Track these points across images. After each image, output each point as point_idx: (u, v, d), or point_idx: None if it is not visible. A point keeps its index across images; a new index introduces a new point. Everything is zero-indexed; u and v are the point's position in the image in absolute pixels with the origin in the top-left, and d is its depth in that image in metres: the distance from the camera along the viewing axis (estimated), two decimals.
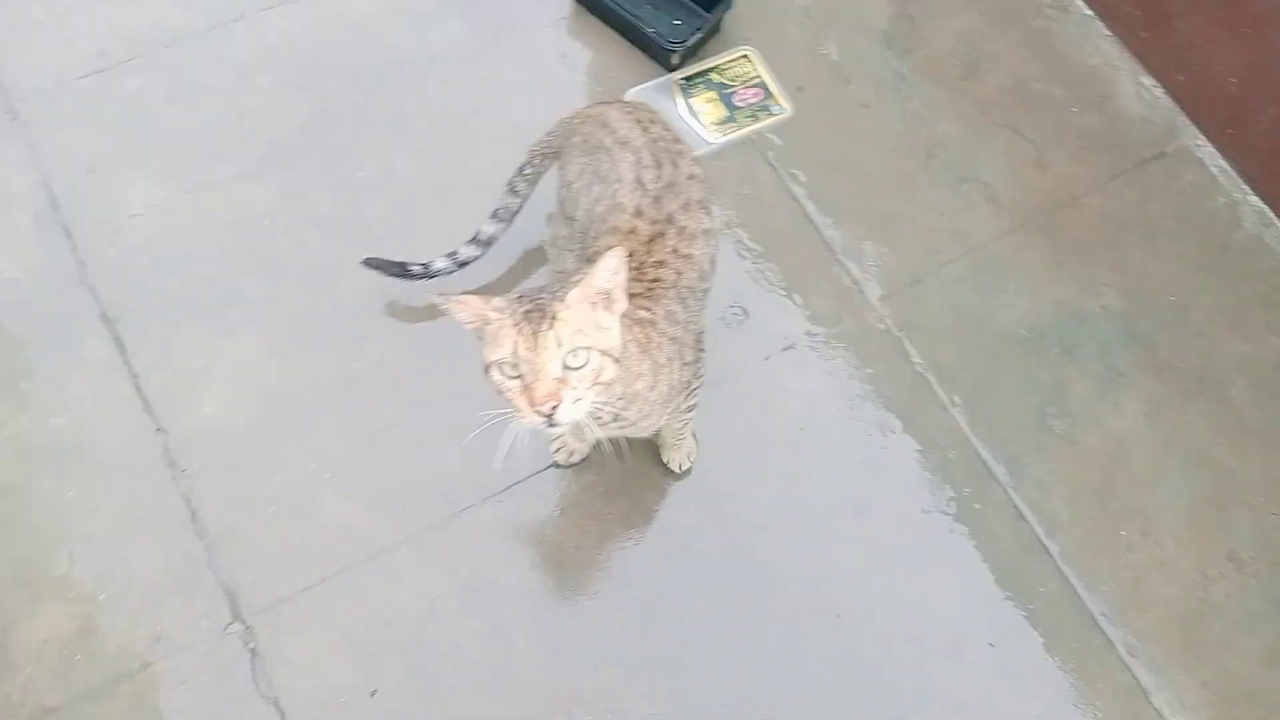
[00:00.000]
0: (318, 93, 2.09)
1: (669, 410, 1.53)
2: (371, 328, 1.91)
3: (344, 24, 2.16)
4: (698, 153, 2.02)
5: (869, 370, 1.90)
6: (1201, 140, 2.11)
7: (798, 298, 1.94)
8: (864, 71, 2.16)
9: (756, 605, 1.74)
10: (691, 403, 1.63)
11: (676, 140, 1.59)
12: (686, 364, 1.52)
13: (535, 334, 1.22)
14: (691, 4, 2.14)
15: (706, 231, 1.53)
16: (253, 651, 1.69)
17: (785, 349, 1.91)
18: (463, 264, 1.86)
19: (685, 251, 1.49)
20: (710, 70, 2.12)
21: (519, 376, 1.24)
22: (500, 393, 1.28)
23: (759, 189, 2.03)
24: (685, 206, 1.51)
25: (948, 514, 1.80)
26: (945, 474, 1.83)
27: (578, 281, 1.26)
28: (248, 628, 1.70)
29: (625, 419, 1.42)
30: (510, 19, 2.18)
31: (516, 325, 1.23)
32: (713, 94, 2.10)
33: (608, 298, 1.28)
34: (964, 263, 1.99)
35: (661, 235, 1.48)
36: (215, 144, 2.04)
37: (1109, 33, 2.20)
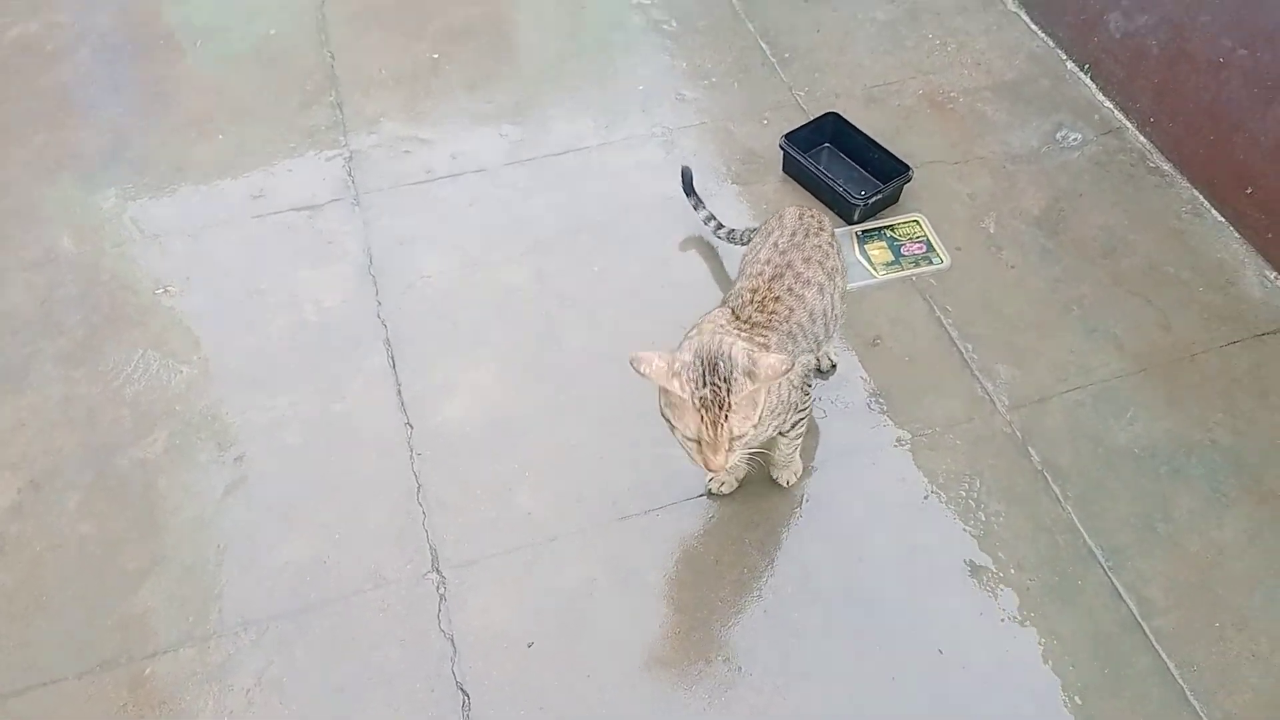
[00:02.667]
0: (575, 212, 2.71)
1: (779, 421, 1.87)
2: (579, 376, 2.37)
3: (604, 170, 2.81)
4: (865, 283, 2.49)
5: (992, 462, 2.18)
6: None
7: (935, 398, 2.28)
8: (1015, 242, 2.58)
9: (864, 630, 1.97)
10: (799, 431, 2.00)
11: (822, 227, 2.04)
12: (794, 386, 1.89)
13: (715, 423, 1.63)
14: (873, 179, 2.68)
15: (820, 286, 1.93)
16: (441, 596, 2.07)
17: (919, 435, 2.23)
18: (717, 229, 2.54)
19: (799, 292, 1.90)
20: (885, 227, 2.61)
21: (698, 442, 1.66)
22: (679, 443, 1.72)
23: (912, 314, 2.43)
24: (806, 260, 1.94)
25: (1051, 586, 2.01)
26: (1053, 553, 2.05)
27: (743, 377, 1.63)
28: (442, 577, 2.09)
29: None
30: (731, 177, 2.77)
31: (698, 410, 1.63)
32: (883, 244, 2.57)
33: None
34: (1087, 391, 2.29)
35: (780, 275, 1.91)
36: (494, 237, 2.66)
37: (1238, 235, 2.55)
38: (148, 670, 2.00)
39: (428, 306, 2.53)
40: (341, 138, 2.92)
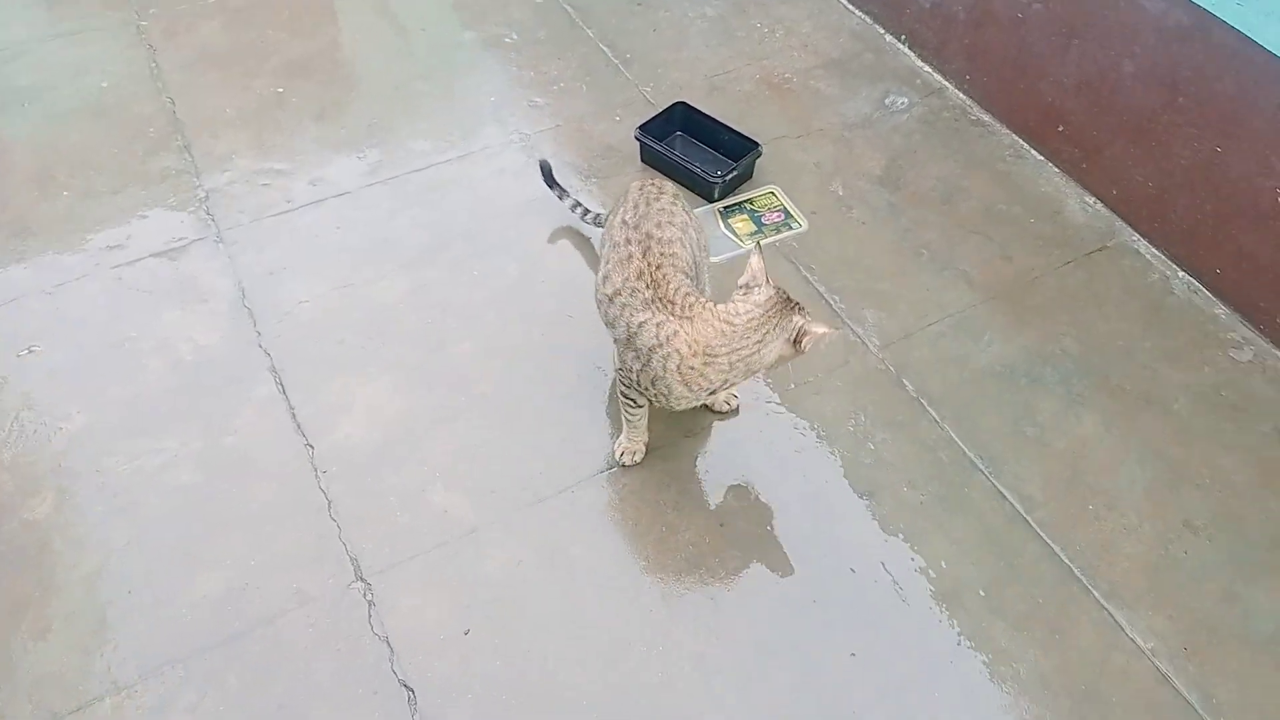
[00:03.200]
0: (442, 224, 2.76)
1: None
2: (472, 377, 2.42)
3: (467, 180, 2.88)
4: (733, 254, 2.63)
5: (873, 396, 2.34)
6: (1136, 236, 2.66)
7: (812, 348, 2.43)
8: (863, 201, 2.77)
9: (781, 564, 2.09)
10: None
11: (661, 190, 2.17)
12: None
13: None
14: (726, 159, 2.83)
15: (680, 239, 2.07)
16: (370, 603, 2.07)
17: (803, 384, 2.37)
18: (584, 215, 2.68)
19: (670, 252, 2.03)
20: (744, 201, 2.76)
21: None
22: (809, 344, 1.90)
23: (780, 276, 2.58)
24: (658, 225, 2.06)
25: (941, 497, 2.17)
26: (938, 469, 2.22)
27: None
28: (367, 585, 2.09)
29: None
30: (593, 173, 2.88)
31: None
32: (745, 216, 2.72)
33: None
34: (947, 323, 2.48)
35: (649, 248, 2.02)
36: (366, 256, 2.68)
37: (1057, 169, 2.82)
38: None
39: (308, 330, 2.53)
40: (195, 179, 2.89)
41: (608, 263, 2.11)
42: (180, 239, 2.73)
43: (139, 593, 2.09)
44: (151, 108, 3.12)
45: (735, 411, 2.33)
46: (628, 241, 2.05)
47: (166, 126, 3.05)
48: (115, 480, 2.26)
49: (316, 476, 2.26)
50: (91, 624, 2.05)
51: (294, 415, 2.37)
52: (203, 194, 2.85)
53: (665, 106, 2.92)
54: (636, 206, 2.11)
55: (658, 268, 1.99)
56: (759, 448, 2.27)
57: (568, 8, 3.46)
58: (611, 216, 2.21)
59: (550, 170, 2.71)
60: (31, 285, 2.63)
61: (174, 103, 3.13)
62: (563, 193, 2.69)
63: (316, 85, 3.20)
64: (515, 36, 3.35)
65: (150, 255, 2.70)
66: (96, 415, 2.37)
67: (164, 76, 3.22)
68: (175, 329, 2.54)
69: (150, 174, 2.91)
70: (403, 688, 1.95)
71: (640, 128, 2.83)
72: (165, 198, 2.84)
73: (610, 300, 2.04)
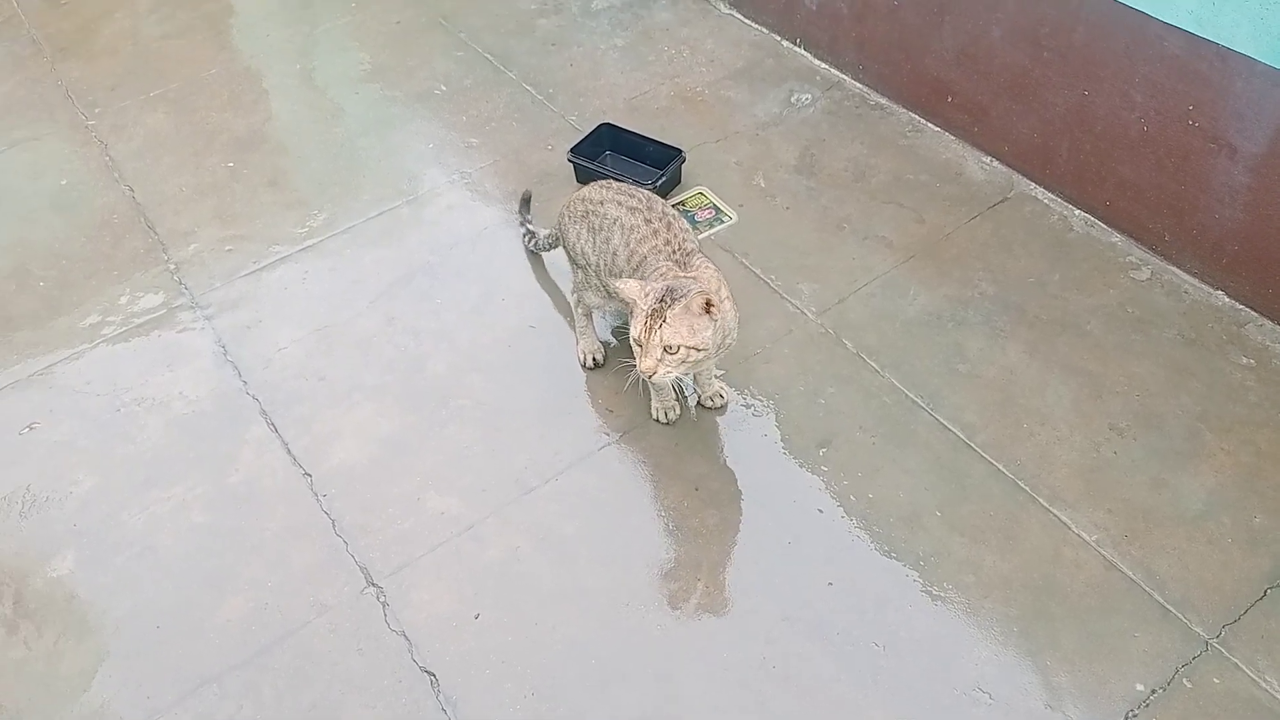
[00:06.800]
0: (403, 261, 2.96)
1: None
2: (451, 392, 2.61)
3: (419, 220, 3.08)
4: None
5: (818, 358, 2.57)
6: (1031, 184, 2.93)
7: (758, 322, 2.66)
8: (784, 189, 3.03)
9: (755, 514, 2.29)
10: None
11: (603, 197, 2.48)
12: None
13: (651, 329, 2.00)
14: (654, 168, 3.08)
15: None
16: (384, 604, 2.23)
17: (754, 355, 2.59)
18: (528, 239, 2.94)
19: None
20: (678, 204, 3.00)
21: (641, 346, 2.02)
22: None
23: (720, 266, 2.73)
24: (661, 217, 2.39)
25: (891, 436, 2.39)
26: (884, 412, 2.44)
27: (685, 294, 2.01)
28: (379, 588, 2.26)
29: None
30: (535, 198, 3.09)
31: (645, 317, 2.01)
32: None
33: (706, 309, 2.04)
34: (875, 284, 2.72)
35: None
36: (336, 300, 2.87)
37: (953, 137, 3.10)
38: None
39: (293, 372, 2.71)
40: (163, 254, 3.07)
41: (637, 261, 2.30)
42: (158, 309, 2.90)
43: (167, 626, 2.24)
44: (112, 197, 3.30)
45: (723, 409, 2.50)
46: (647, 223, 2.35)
47: (129, 212, 3.23)
48: (130, 531, 2.42)
49: (318, 500, 2.43)
50: (128, 659, 2.19)
51: (289, 449, 2.54)
52: (173, 266, 3.03)
53: (591, 129, 3.17)
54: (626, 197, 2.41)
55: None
56: (720, 416, 2.48)
57: (488, 56, 3.71)
58: (617, 238, 2.36)
59: (529, 199, 2.96)
60: (21, 371, 2.79)
61: (133, 190, 3.31)
62: (525, 220, 2.93)
63: (264, 156, 3.40)
64: (444, 88, 3.59)
65: (132, 327, 2.87)
66: (103, 476, 2.53)
67: (119, 167, 3.41)
68: (166, 389, 2.70)
69: (120, 256, 3.09)
70: (424, 674, 2.11)
71: (572, 150, 3.06)
72: (138, 274, 3.02)
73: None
